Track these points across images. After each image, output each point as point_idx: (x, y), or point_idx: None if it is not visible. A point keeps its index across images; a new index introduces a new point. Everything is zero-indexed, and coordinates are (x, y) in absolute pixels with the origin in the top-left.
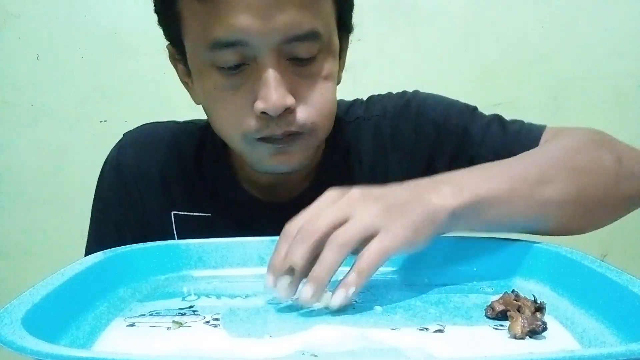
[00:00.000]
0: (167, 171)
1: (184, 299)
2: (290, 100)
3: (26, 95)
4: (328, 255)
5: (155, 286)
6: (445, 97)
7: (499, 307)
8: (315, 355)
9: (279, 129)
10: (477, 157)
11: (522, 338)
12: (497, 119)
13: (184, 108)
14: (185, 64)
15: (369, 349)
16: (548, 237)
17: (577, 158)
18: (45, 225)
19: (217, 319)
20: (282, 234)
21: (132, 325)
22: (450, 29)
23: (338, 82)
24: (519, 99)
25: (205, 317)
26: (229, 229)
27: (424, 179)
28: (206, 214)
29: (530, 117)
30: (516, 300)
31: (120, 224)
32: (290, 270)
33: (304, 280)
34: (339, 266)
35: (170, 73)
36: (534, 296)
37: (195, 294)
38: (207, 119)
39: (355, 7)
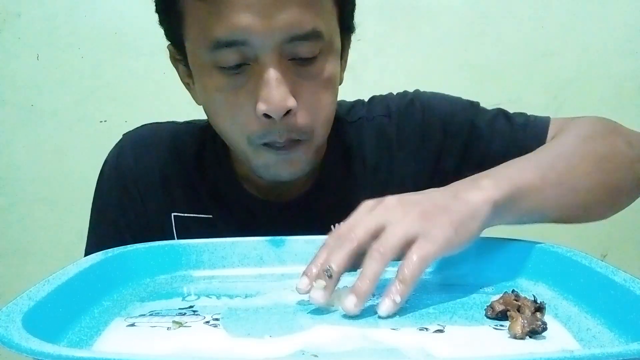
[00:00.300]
0: (167, 172)
1: (184, 299)
2: (291, 102)
3: (26, 95)
4: (370, 266)
5: (155, 286)
6: (447, 95)
7: (499, 307)
8: (315, 355)
9: (281, 137)
10: (486, 153)
11: (522, 338)
12: (502, 112)
13: (184, 108)
14: (186, 65)
15: (369, 349)
16: (548, 237)
17: (595, 145)
18: (45, 225)
19: (217, 319)
20: (322, 244)
21: (132, 325)
22: (450, 29)
23: (340, 83)
24: (519, 99)
25: (205, 317)
26: (230, 230)
27: (460, 181)
28: (207, 215)
29: None
30: (516, 300)
31: (120, 225)
32: (326, 275)
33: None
34: (381, 275)
35: (170, 73)
36: (534, 296)
37: (195, 294)
38: (208, 119)
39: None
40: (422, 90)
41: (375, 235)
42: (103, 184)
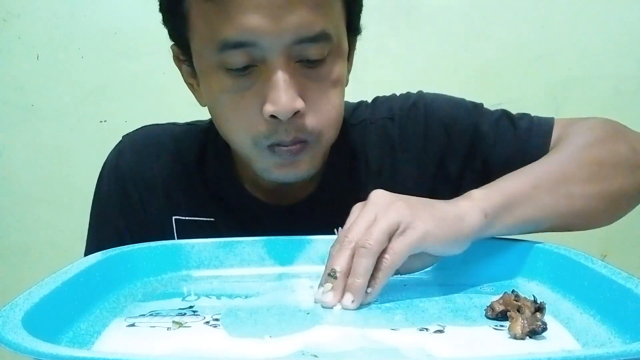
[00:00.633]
0: (168, 175)
1: (184, 299)
2: (299, 104)
3: (26, 95)
4: (358, 262)
5: (155, 286)
6: (451, 97)
7: (499, 307)
8: (315, 355)
9: (288, 136)
10: (490, 156)
11: (522, 338)
12: (505, 114)
13: (184, 108)
14: (190, 65)
15: (369, 349)
16: (548, 237)
17: (595, 151)
18: (45, 225)
19: (217, 319)
20: (342, 236)
21: (132, 325)
22: (450, 29)
23: (345, 84)
24: (518, 99)
25: (205, 317)
26: (232, 234)
27: (459, 198)
28: (209, 219)
29: None
30: (516, 301)
31: (120, 228)
32: (332, 278)
33: None
34: (372, 268)
35: (170, 73)
36: (534, 296)
37: (195, 294)
38: (209, 121)
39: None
40: (425, 91)
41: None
42: (102, 186)
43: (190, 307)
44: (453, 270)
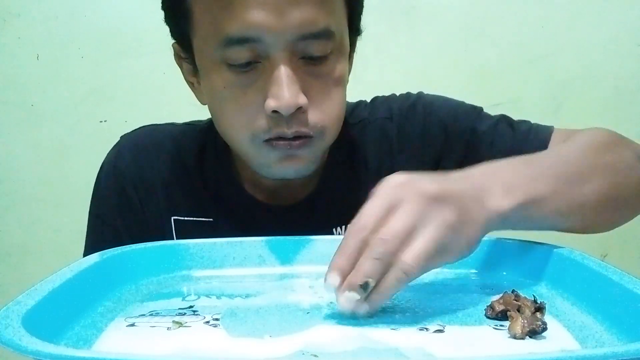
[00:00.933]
0: (167, 175)
1: (184, 299)
2: (302, 100)
3: (26, 95)
4: (363, 266)
5: (155, 286)
6: (450, 99)
7: (499, 307)
8: (315, 355)
9: (290, 129)
10: (487, 158)
11: (522, 338)
12: (505, 119)
13: (184, 108)
14: (191, 63)
15: (369, 349)
16: (548, 238)
17: (606, 156)
18: (45, 225)
19: (217, 319)
20: (343, 242)
21: (132, 325)
22: (450, 29)
23: (346, 83)
24: (519, 99)
25: (205, 317)
26: (232, 234)
27: (476, 172)
28: (208, 219)
29: (530, 117)
30: (516, 300)
31: (118, 229)
32: (362, 289)
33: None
34: (381, 270)
35: (170, 73)
36: (534, 296)
37: (195, 294)
38: (207, 121)
39: None
40: (425, 92)
41: (379, 224)
42: (101, 186)
43: (190, 307)
44: (453, 270)
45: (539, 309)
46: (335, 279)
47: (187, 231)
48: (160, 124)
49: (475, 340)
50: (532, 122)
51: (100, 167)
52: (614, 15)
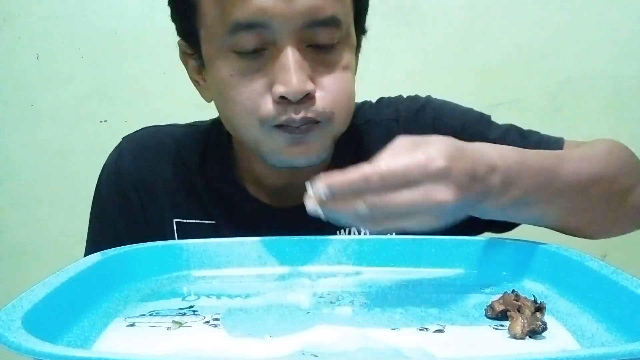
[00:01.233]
0: (169, 178)
1: (184, 299)
2: (310, 86)
3: (26, 95)
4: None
5: (155, 286)
6: (459, 105)
7: (499, 307)
8: (315, 355)
9: (298, 115)
10: None
11: (522, 338)
12: (514, 128)
13: (184, 108)
14: (197, 59)
15: (369, 349)
16: (548, 238)
17: (617, 166)
18: (45, 225)
19: (217, 319)
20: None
21: (132, 325)
22: (450, 29)
23: (354, 75)
24: (519, 99)
25: (205, 317)
26: (234, 236)
27: (487, 149)
28: (210, 221)
29: (530, 117)
30: (516, 300)
31: (120, 231)
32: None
33: None
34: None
35: (170, 73)
36: (534, 296)
37: (195, 294)
38: (210, 122)
39: None
40: (425, 92)
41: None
42: (102, 188)
43: (190, 307)
44: (453, 269)
45: (539, 309)
46: (322, 187)
47: (189, 234)
48: (162, 125)
49: (475, 340)
50: (542, 133)
51: (102, 169)
52: (614, 15)
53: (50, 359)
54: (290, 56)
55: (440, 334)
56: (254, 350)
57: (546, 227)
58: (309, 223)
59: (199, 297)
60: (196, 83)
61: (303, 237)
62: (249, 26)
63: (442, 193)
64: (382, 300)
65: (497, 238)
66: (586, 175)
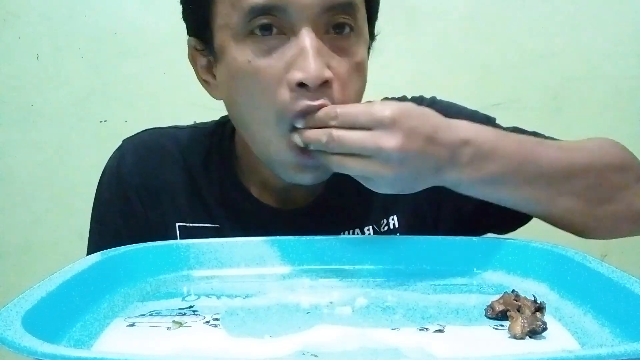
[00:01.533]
0: (171, 180)
1: (184, 299)
2: (328, 73)
3: (26, 95)
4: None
5: (155, 286)
6: (464, 107)
7: (499, 307)
8: (315, 355)
9: (315, 100)
10: None
11: (522, 338)
12: (518, 131)
13: (184, 108)
14: (208, 54)
15: (369, 349)
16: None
17: (609, 165)
18: (45, 225)
19: (217, 319)
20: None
21: (132, 325)
22: (450, 29)
23: (366, 73)
24: (519, 99)
25: (205, 317)
26: None
27: (464, 127)
28: (214, 225)
29: (530, 117)
30: (516, 300)
31: (122, 235)
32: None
33: None
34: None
35: (170, 73)
36: (534, 296)
37: (195, 294)
38: (213, 124)
39: None
40: (425, 92)
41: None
42: (103, 192)
43: (190, 307)
44: (453, 269)
45: (539, 309)
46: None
47: (192, 237)
48: (163, 127)
49: (475, 340)
50: (547, 135)
51: (102, 172)
52: (614, 15)
53: (50, 359)
54: (308, 41)
55: (440, 334)
56: (254, 350)
57: (531, 213)
58: (313, 225)
59: (199, 297)
60: (205, 82)
61: (303, 237)
62: (266, 10)
63: (386, 139)
64: (382, 300)
65: (497, 238)
66: (568, 163)
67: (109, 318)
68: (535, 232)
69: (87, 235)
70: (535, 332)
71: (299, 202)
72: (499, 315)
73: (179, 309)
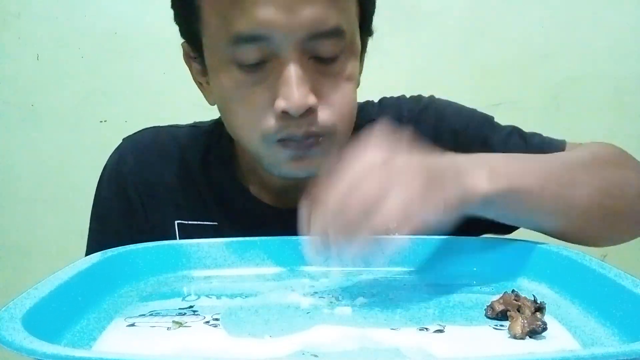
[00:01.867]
0: (171, 179)
1: (184, 299)
2: (312, 100)
3: (26, 95)
4: (360, 240)
5: (155, 286)
6: (462, 106)
7: (499, 307)
8: (315, 355)
9: (299, 129)
10: None
11: (522, 338)
12: (517, 131)
13: (184, 108)
14: (201, 63)
15: (369, 349)
16: (548, 237)
17: (607, 168)
18: (45, 225)
19: (217, 319)
20: (320, 203)
21: (132, 325)
22: (450, 29)
23: (357, 85)
24: (519, 99)
25: (205, 317)
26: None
27: (464, 157)
28: (212, 223)
29: (530, 117)
30: (516, 300)
31: (121, 233)
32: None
33: None
34: (350, 238)
35: (170, 73)
36: (534, 296)
37: (195, 294)
38: (211, 123)
39: None
40: (426, 92)
41: (374, 203)
42: (103, 190)
43: (190, 307)
44: (453, 269)
45: (539, 309)
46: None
47: (191, 235)
48: (163, 126)
49: (475, 340)
50: (545, 135)
51: (102, 170)
52: (614, 15)
53: (50, 359)
54: (292, 70)
55: (440, 334)
56: (254, 350)
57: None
58: None
59: (199, 297)
60: (200, 85)
61: (303, 237)
62: (251, 38)
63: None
64: (382, 300)
65: (497, 238)
66: (572, 176)
67: (109, 318)
68: (534, 232)
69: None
70: (535, 332)
71: (297, 201)
72: (499, 315)
73: (179, 309)
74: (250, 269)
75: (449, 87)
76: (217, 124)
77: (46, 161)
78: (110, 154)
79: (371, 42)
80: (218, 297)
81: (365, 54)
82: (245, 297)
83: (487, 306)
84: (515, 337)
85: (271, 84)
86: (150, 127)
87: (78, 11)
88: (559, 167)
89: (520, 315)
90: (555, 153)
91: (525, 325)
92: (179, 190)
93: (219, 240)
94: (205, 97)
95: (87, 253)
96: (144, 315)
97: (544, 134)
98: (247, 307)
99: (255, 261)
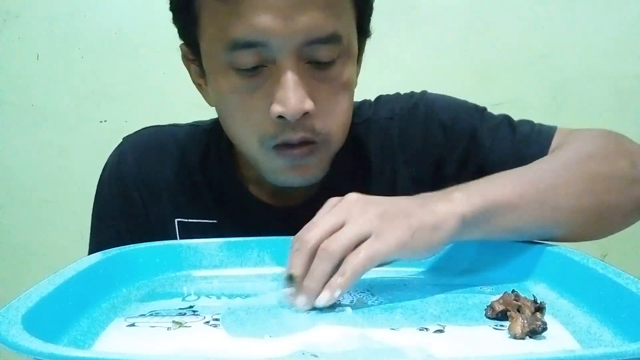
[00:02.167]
0: (170, 177)
1: (184, 299)
2: (309, 105)
3: (26, 95)
4: (317, 266)
5: (155, 286)
6: (454, 98)
7: (499, 307)
8: (315, 355)
9: (296, 134)
10: (486, 162)
11: (522, 338)
12: (507, 120)
13: (184, 108)
14: (199, 65)
15: (369, 349)
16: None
17: (592, 164)
18: (45, 225)
19: (217, 319)
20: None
21: (132, 325)
22: (450, 29)
23: (354, 87)
24: (519, 99)
25: (205, 317)
26: (235, 235)
27: (432, 192)
28: (212, 221)
29: (530, 117)
30: (516, 300)
31: (122, 232)
32: (291, 283)
33: None
34: (331, 273)
35: (170, 73)
36: (534, 296)
37: (195, 294)
38: (211, 122)
39: None
40: (427, 91)
41: (332, 233)
42: (103, 189)
43: (190, 307)
44: (453, 269)
45: (539, 309)
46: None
47: (191, 233)
48: (163, 125)
49: (475, 340)
50: (537, 122)
51: (103, 170)
52: (614, 15)
53: (50, 359)
54: (289, 75)
55: (440, 334)
56: (254, 350)
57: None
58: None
59: (199, 297)
60: (199, 86)
61: None
62: (248, 44)
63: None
64: (382, 300)
65: None
66: (556, 175)
67: (109, 318)
68: None
69: (88, 236)
70: (535, 332)
71: (295, 200)
72: (499, 315)
73: (179, 309)
74: (250, 269)
75: (449, 87)
76: (217, 123)
77: (46, 161)
78: (110, 154)
79: (371, 42)
80: (218, 297)
81: (363, 55)
82: (245, 297)
83: (487, 306)
84: (515, 337)
85: (268, 89)
86: (150, 127)
87: (78, 11)
88: (535, 173)
89: (520, 316)
90: (541, 159)
91: (525, 325)
92: (179, 189)
93: (219, 240)
94: (204, 97)
95: (89, 251)
96: (144, 315)
97: (534, 121)
98: (247, 307)
99: (255, 261)
